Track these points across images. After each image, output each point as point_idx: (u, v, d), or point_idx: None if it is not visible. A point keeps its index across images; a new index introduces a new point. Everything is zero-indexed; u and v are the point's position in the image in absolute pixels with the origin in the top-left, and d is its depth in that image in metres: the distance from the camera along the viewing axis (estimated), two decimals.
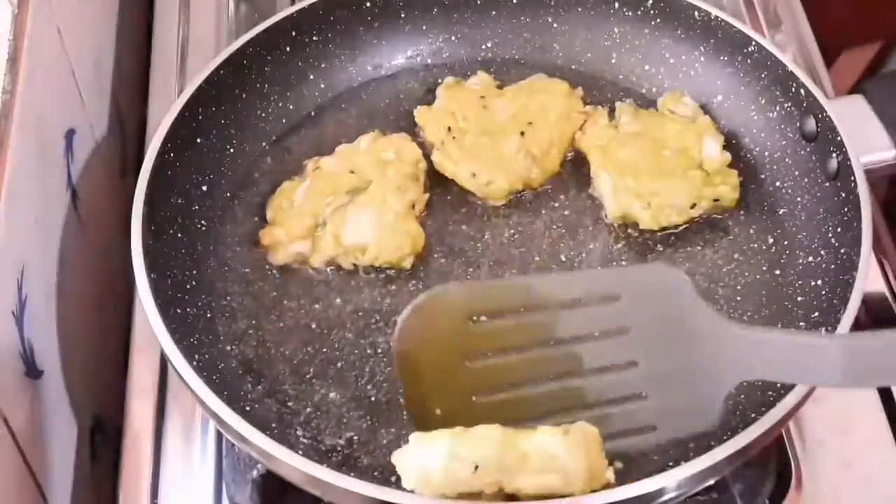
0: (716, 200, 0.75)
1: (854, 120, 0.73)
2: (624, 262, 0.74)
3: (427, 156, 0.78)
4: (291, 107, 0.81)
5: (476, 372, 0.61)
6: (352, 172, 0.75)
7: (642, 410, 0.61)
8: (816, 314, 0.67)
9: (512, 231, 0.76)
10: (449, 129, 0.78)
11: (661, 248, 0.74)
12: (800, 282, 0.70)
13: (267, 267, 0.73)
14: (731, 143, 0.78)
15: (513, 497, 0.57)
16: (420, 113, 0.80)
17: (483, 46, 0.85)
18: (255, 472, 0.69)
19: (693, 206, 0.75)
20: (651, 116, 0.80)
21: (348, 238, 0.72)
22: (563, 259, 0.74)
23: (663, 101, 0.81)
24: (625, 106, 0.81)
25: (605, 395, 0.61)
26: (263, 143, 0.79)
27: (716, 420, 0.60)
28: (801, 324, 0.67)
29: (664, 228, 0.75)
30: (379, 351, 0.69)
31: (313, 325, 0.70)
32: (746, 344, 0.57)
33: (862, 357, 0.53)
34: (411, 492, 0.56)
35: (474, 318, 0.61)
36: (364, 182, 0.75)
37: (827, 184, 0.72)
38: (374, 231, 0.72)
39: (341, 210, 0.73)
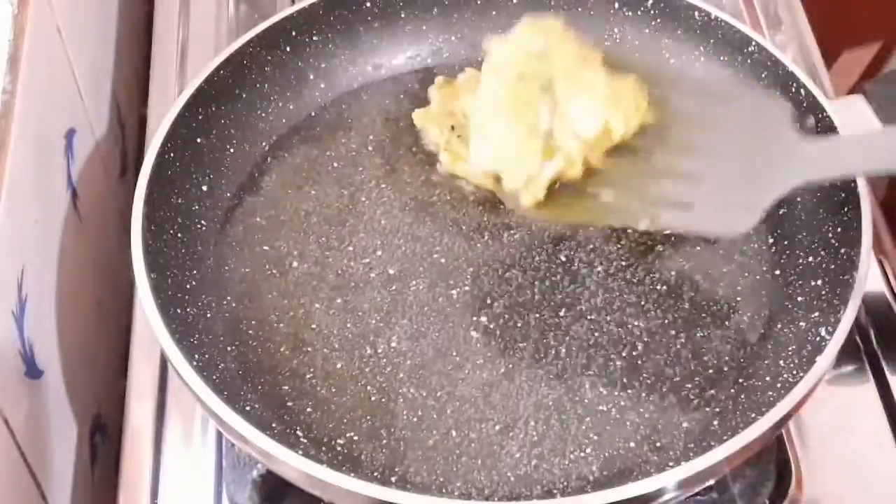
0: None
1: (854, 120, 0.73)
2: (623, 263, 0.74)
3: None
4: (291, 107, 0.81)
5: None
6: None
7: (692, 190, 0.66)
8: (816, 314, 0.67)
9: (511, 231, 0.75)
10: (452, 127, 0.78)
11: (660, 248, 0.74)
12: (800, 282, 0.70)
13: (267, 267, 0.73)
14: None
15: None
16: (418, 116, 0.80)
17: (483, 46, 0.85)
18: (255, 472, 0.69)
19: None
20: None
21: None
22: (563, 259, 0.74)
23: None
24: None
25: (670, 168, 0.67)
26: (263, 143, 0.79)
27: (750, 225, 0.66)
28: (801, 324, 0.67)
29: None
30: (379, 351, 0.69)
31: (314, 326, 0.70)
32: (808, 151, 0.65)
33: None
34: (412, 493, 0.57)
35: None
36: None
37: (827, 184, 0.72)
38: None
39: None
